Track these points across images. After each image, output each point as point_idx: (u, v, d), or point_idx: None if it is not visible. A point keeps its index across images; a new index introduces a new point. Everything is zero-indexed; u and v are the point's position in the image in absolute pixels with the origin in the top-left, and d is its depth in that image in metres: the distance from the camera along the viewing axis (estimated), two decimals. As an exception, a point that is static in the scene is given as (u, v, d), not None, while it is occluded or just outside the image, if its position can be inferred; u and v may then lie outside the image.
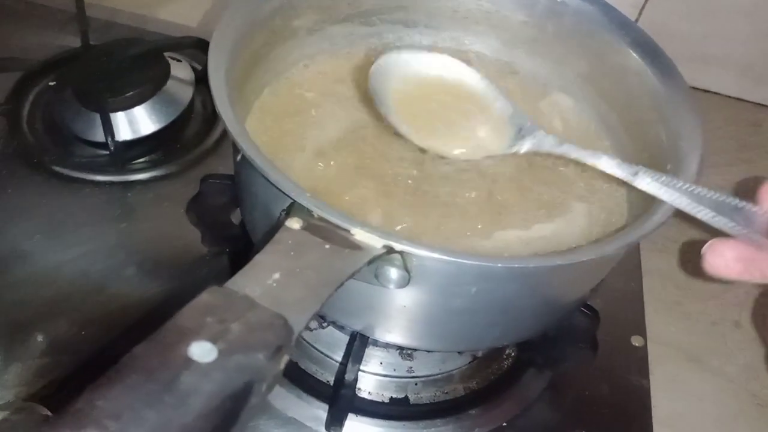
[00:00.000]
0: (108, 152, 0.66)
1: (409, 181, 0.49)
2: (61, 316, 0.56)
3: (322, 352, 0.56)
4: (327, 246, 0.34)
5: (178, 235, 0.63)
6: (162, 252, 0.62)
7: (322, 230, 0.35)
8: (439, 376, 0.56)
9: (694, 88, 0.86)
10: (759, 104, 0.88)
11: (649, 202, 0.43)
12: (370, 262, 0.35)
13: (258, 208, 0.44)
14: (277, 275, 0.31)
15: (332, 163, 0.50)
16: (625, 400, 0.59)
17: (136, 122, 0.68)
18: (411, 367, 0.56)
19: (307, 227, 0.35)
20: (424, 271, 0.37)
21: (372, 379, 0.56)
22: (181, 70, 0.72)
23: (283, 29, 0.54)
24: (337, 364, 0.55)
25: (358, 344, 0.48)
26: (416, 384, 0.56)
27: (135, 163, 0.68)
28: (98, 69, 0.70)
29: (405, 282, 0.37)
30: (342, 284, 0.33)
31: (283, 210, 0.38)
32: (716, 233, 0.38)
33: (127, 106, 0.67)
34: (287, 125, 0.53)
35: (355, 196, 0.47)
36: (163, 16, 0.84)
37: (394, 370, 0.56)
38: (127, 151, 0.67)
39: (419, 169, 0.50)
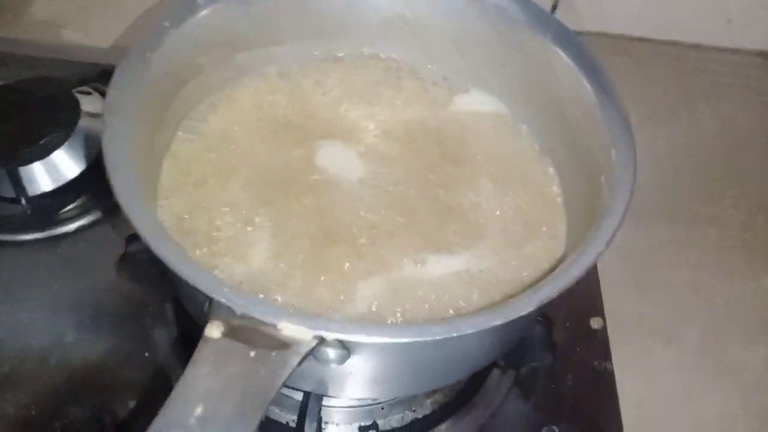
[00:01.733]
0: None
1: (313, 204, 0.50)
2: (5, 397, 0.54)
3: (282, 393, 0.55)
4: (252, 353, 0.32)
5: (116, 286, 0.59)
6: (101, 307, 0.59)
7: (245, 332, 0.33)
8: (404, 396, 0.56)
9: (632, 37, 0.84)
10: (698, 45, 0.86)
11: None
12: (301, 361, 0.33)
13: (182, 289, 0.42)
14: (199, 409, 0.29)
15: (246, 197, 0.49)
16: (591, 386, 0.58)
17: (55, 170, 0.63)
18: (375, 394, 0.55)
19: (229, 332, 0.33)
20: (363, 346, 0.36)
21: (338, 412, 0.55)
22: (90, 104, 0.66)
23: (187, 70, 0.50)
24: (299, 403, 0.54)
25: (313, 403, 0.47)
26: (383, 408, 0.55)
27: (60, 214, 0.63)
28: (2, 116, 0.65)
29: (345, 358, 0.36)
30: (273, 398, 0.31)
31: (206, 304, 0.35)
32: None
33: (42, 154, 0.63)
34: (200, 164, 0.51)
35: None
36: (68, 38, 0.78)
37: (358, 398, 0.55)
38: (49, 202, 0.63)
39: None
